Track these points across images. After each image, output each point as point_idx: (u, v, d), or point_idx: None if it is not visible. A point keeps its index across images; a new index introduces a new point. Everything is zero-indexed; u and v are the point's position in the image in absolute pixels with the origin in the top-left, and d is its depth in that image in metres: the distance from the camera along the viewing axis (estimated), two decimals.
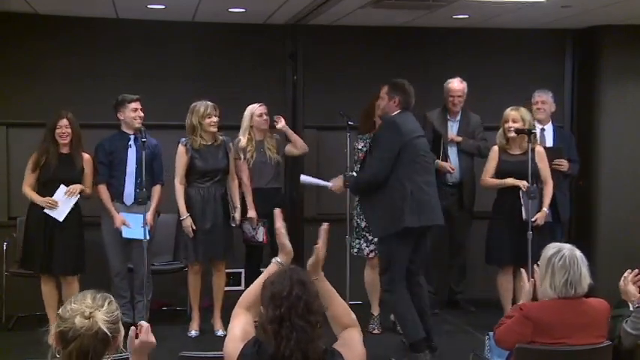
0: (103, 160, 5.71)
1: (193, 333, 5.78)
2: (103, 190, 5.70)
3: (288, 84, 6.86)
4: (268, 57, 6.82)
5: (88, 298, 2.33)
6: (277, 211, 2.80)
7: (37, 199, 5.51)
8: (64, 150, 5.59)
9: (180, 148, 5.67)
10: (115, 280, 5.78)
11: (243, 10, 6.17)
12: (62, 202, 5.51)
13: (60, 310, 2.33)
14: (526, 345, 3.30)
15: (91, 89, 6.48)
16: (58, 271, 5.58)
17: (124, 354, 2.48)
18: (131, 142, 5.72)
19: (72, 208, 5.52)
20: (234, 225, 5.73)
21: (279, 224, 2.76)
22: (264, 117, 5.98)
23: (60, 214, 5.50)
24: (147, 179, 5.51)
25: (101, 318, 2.28)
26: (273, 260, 2.68)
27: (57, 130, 5.51)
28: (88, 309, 2.28)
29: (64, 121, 5.52)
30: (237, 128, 5.97)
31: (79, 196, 5.54)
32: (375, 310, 5.97)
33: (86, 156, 5.68)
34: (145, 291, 5.56)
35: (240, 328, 2.51)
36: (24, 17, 6.34)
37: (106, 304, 2.33)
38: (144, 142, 5.42)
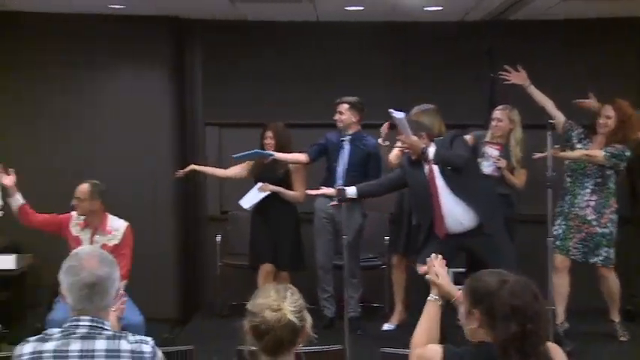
0: (320, 141, 5.98)
1: (386, 326, 5.92)
2: (302, 158, 5.93)
3: (486, 82, 6.75)
4: (464, 55, 6.75)
5: (271, 291, 2.40)
6: (432, 257, 2.89)
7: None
8: None
9: None
10: (319, 272, 6.03)
11: (441, 8, 6.17)
12: (252, 194, 5.94)
13: (249, 305, 2.40)
14: None
15: (295, 90, 6.80)
16: (282, 266, 5.97)
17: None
18: (345, 143, 5.90)
19: (287, 207, 5.95)
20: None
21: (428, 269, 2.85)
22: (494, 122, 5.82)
23: (246, 202, 5.95)
24: (357, 179, 5.51)
25: (288, 309, 2.34)
26: (431, 298, 2.70)
27: (264, 141, 5.95)
28: (275, 302, 2.35)
29: (269, 133, 5.93)
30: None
31: (268, 192, 5.90)
32: (616, 317, 5.68)
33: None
34: (352, 287, 5.73)
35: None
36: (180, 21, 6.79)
37: (288, 294, 2.39)
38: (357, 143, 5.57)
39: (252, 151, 5.89)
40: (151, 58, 6.68)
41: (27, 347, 2.35)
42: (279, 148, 5.90)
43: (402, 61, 6.86)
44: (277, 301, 2.34)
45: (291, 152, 5.94)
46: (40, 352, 2.33)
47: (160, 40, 6.67)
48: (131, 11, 6.33)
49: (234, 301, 6.56)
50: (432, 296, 2.71)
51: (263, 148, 5.94)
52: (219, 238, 6.68)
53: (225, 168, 6.33)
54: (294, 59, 6.89)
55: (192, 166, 6.22)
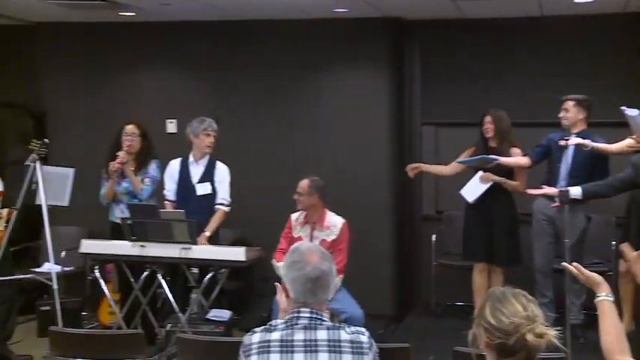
0: (543, 143, 5.83)
1: None
2: (525, 162, 5.81)
3: None
4: None
5: (517, 305, 2.20)
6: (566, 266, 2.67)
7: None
8: (492, 144, 5.92)
9: None
10: (537, 276, 5.83)
11: None
12: (474, 184, 5.88)
13: (490, 318, 2.19)
14: None
15: (516, 88, 6.64)
16: (497, 261, 5.89)
17: None
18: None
19: (505, 200, 5.86)
20: None
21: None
22: None
23: (469, 194, 5.88)
24: (581, 180, 5.30)
25: (552, 333, 2.17)
26: (601, 298, 2.45)
27: (482, 126, 5.92)
28: (537, 325, 2.16)
29: (488, 118, 5.90)
30: None
31: (490, 184, 5.82)
32: None
33: (515, 150, 5.90)
34: (574, 293, 5.51)
35: None
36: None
37: (534, 308, 2.21)
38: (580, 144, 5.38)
39: (478, 157, 5.86)
40: (370, 59, 6.82)
41: (255, 337, 2.50)
42: (498, 134, 5.87)
43: (638, 56, 6.42)
44: (536, 322, 2.16)
45: (510, 140, 5.89)
46: (268, 341, 2.46)
47: (379, 41, 6.80)
48: (353, 14, 6.52)
49: (449, 301, 6.57)
50: (605, 295, 2.47)
51: (482, 134, 5.92)
52: (434, 237, 6.68)
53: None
54: (515, 56, 6.72)
55: (420, 165, 6.25)
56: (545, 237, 5.78)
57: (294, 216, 5.37)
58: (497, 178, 5.85)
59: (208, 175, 5.70)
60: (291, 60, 6.90)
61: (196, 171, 5.72)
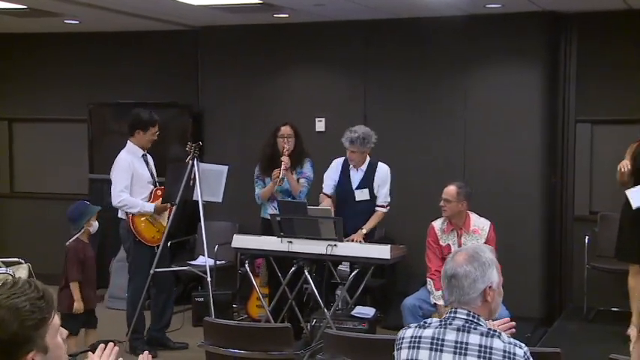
0: None
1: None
2: None
3: None
4: None
5: None
6: None
7: None
8: None
9: None
10: None
11: None
12: None
13: None
14: None
15: None
16: None
17: None
18: None
19: None
20: None
21: None
22: None
23: (636, 200, 5.41)
24: None
25: None
26: None
27: None
28: None
29: None
30: None
31: None
32: None
33: None
34: None
35: None
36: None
37: None
38: None
39: None
40: (523, 55, 6.60)
41: (408, 332, 2.56)
42: None
43: None
44: None
45: None
46: (419, 337, 2.49)
47: (533, 36, 6.58)
48: (507, 9, 6.35)
49: (602, 306, 6.29)
50: None
51: None
52: (587, 239, 6.41)
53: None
54: None
55: None
56: None
57: (436, 224, 5.15)
58: None
59: (368, 181, 5.73)
60: (442, 58, 6.83)
61: (356, 177, 5.77)
